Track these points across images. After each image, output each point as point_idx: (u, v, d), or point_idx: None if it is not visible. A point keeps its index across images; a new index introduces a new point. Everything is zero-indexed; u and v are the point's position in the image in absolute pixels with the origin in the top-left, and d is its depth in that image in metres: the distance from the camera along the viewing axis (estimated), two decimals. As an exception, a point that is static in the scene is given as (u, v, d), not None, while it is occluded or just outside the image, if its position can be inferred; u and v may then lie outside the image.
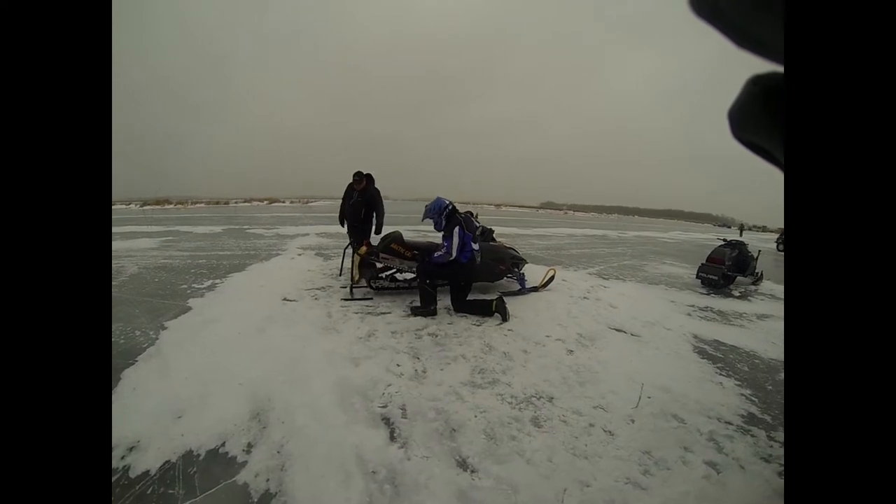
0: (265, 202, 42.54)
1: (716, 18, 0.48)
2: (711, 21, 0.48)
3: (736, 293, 7.53)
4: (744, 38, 0.48)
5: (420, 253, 5.52)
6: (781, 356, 4.30)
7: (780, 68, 0.50)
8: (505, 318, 4.79)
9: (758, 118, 0.54)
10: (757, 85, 0.52)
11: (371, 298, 5.42)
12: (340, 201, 6.50)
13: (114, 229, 12.46)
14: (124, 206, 29.43)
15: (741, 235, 8.91)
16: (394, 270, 5.66)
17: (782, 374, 3.82)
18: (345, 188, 6.41)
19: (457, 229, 4.77)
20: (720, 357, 4.18)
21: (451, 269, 4.91)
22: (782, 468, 2.41)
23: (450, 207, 4.99)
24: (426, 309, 4.84)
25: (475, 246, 4.95)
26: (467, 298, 5.11)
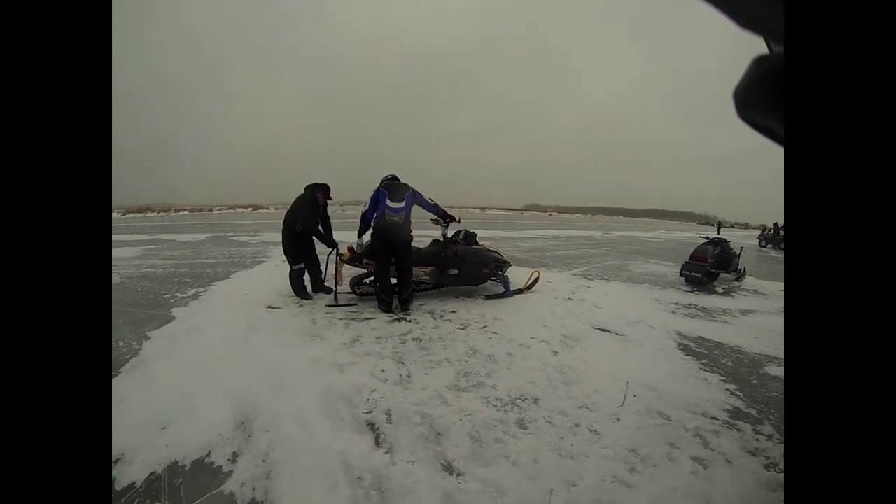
0: (249, 209, 42.27)
1: (720, 1, 0.49)
2: (715, 3, 0.49)
3: (719, 290, 7.59)
4: (747, 20, 0.49)
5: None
6: (765, 350, 4.35)
7: (782, 49, 0.50)
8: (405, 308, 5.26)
9: (762, 98, 0.55)
10: (761, 65, 0.53)
11: (355, 304, 5.41)
12: (308, 222, 5.49)
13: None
14: (106, 216, 29.10)
15: (718, 232, 9.04)
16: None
17: (766, 368, 3.87)
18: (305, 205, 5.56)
19: (374, 192, 5.13)
20: (704, 353, 4.21)
21: (375, 241, 5.14)
22: (769, 461, 2.43)
23: (387, 178, 5.30)
24: (384, 305, 5.19)
25: (393, 205, 4.96)
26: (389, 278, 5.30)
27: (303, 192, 5.59)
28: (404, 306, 5.25)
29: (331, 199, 5.79)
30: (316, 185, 5.66)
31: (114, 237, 13.34)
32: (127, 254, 9.57)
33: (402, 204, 5.00)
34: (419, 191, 5.29)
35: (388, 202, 4.96)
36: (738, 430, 2.74)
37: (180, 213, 34.51)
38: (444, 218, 5.68)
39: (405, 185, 5.24)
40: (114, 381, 3.11)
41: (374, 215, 5.06)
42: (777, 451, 2.53)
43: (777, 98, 0.52)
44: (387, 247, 5.09)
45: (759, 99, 0.55)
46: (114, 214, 29.47)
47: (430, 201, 5.42)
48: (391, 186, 5.11)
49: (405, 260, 5.26)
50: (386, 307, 5.16)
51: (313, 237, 5.60)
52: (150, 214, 31.03)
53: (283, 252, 5.70)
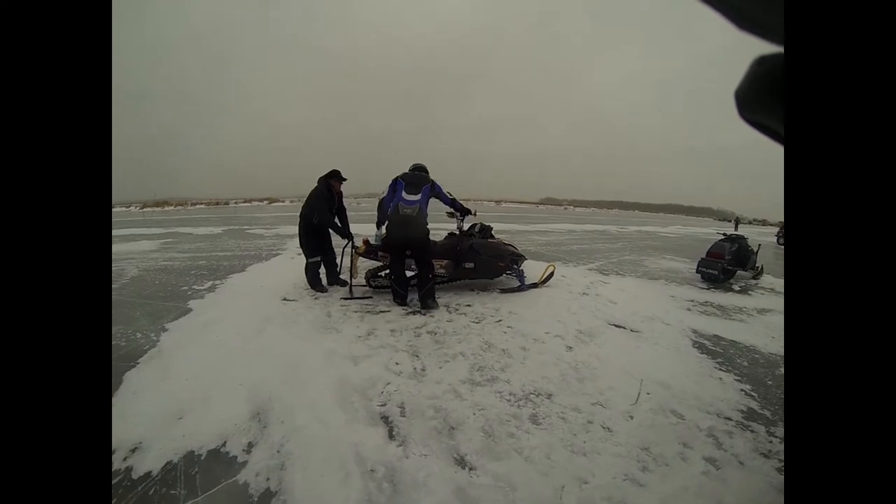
0: (265, 202, 42.46)
1: (718, 1, 0.49)
2: (713, 4, 0.49)
3: (736, 287, 7.51)
4: (744, 20, 0.49)
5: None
6: (781, 350, 4.30)
7: (781, 49, 0.50)
8: (425, 305, 5.05)
9: (763, 98, 0.55)
10: (762, 66, 0.53)
11: (370, 297, 5.43)
12: (323, 214, 5.46)
13: (114, 232, 12.48)
14: (124, 209, 29.46)
15: (736, 229, 8.83)
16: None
17: (782, 369, 3.82)
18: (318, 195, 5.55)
19: (392, 181, 5.03)
20: (720, 352, 4.17)
21: (389, 233, 5.01)
22: (782, 464, 2.41)
23: (413, 167, 5.24)
24: (399, 297, 5.18)
25: (408, 196, 4.83)
26: (405, 272, 5.29)
27: (316, 184, 5.59)
28: (424, 304, 5.05)
29: (345, 179, 5.71)
30: (327, 174, 5.63)
31: (132, 231, 13.51)
32: (145, 247, 9.67)
33: (418, 196, 4.84)
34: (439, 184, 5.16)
35: (404, 194, 4.84)
36: (752, 431, 2.72)
37: (197, 206, 34.81)
38: (461, 212, 5.63)
39: (425, 176, 5.09)
40: (131, 371, 3.16)
41: (390, 206, 4.92)
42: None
43: (778, 98, 0.52)
44: (400, 240, 4.95)
45: (760, 99, 0.55)
46: (132, 209, 29.84)
47: (448, 195, 5.23)
48: (409, 177, 4.98)
49: (422, 254, 5.10)
50: (401, 300, 5.14)
51: (329, 229, 5.60)
52: (167, 208, 31.33)
53: (299, 245, 5.72)
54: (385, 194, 5.07)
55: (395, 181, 4.98)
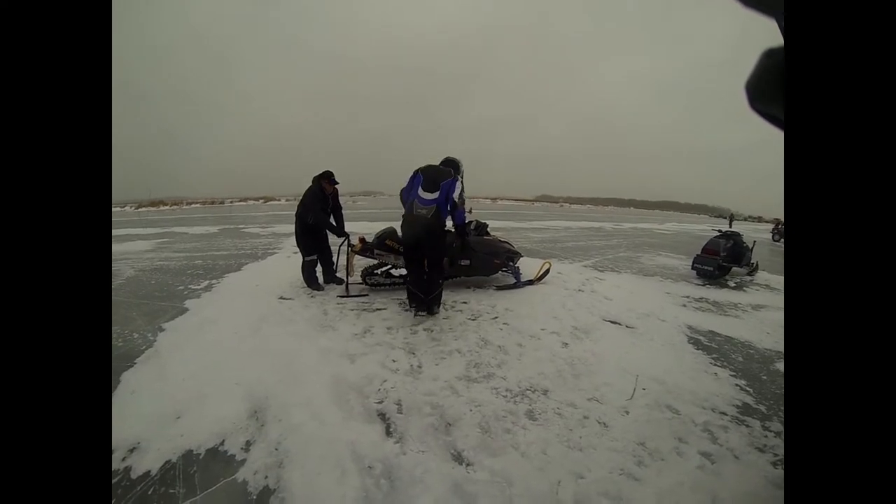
0: (261, 201, 42.16)
1: None
2: None
3: (731, 284, 7.54)
4: None
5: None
6: (776, 346, 4.33)
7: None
8: (430, 311, 4.64)
9: (771, 89, 0.56)
10: (770, 58, 0.54)
11: (367, 295, 5.43)
12: (317, 214, 5.39)
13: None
14: (119, 209, 29.30)
15: (731, 225, 8.85)
16: (389, 266, 5.66)
17: (776, 364, 3.85)
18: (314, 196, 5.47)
19: (412, 174, 4.52)
20: (715, 348, 4.20)
21: (402, 233, 4.63)
22: (777, 458, 2.43)
23: (444, 161, 4.93)
24: (417, 302, 4.66)
25: (424, 195, 4.29)
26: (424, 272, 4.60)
27: (311, 184, 5.57)
28: (429, 309, 4.64)
29: (338, 182, 5.64)
30: (320, 175, 5.57)
31: (127, 231, 13.44)
32: (140, 247, 9.61)
33: (435, 195, 4.29)
34: (460, 186, 4.50)
35: (420, 191, 4.32)
36: (747, 426, 2.74)
37: (192, 206, 34.61)
38: (460, 227, 4.98)
39: (447, 171, 4.54)
40: (129, 371, 3.16)
41: (406, 202, 4.45)
42: (786, 448, 2.53)
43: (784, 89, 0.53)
44: (414, 241, 4.48)
45: (768, 90, 0.56)
46: (127, 208, 29.64)
47: (462, 208, 4.64)
48: (429, 171, 4.44)
49: (435, 258, 4.60)
50: (418, 305, 4.63)
51: (325, 228, 5.58)
52: (162, 208, 31.11)
53: (296, 243, 5.72)
54: (406, 185, 4.57)
55: (416, 174, 4.47)
